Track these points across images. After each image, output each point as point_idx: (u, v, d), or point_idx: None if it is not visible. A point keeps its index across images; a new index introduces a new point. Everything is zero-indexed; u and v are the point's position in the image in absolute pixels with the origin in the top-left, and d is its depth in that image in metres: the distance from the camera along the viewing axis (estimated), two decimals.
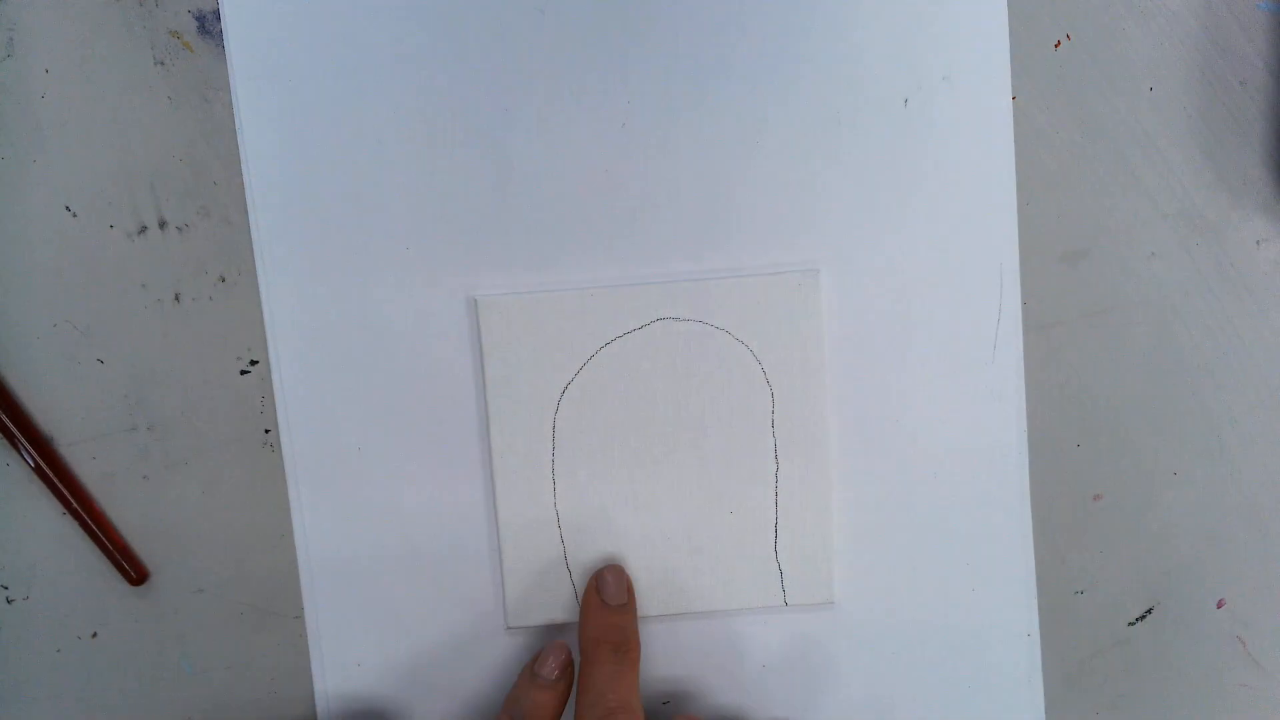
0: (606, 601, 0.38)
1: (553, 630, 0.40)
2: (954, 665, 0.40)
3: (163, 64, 0.38)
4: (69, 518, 0.39)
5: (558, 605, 0.39)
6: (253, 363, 0.39)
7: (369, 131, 0.38)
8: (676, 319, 0.38)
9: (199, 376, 0.39)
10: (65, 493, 0.39)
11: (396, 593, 0.40)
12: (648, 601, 0.39)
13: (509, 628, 0.40)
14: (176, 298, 0.39)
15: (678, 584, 0.39)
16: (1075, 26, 0.38)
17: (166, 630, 0.40)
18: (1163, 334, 0.40)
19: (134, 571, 0.39)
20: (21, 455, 0.39)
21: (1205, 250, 0.39)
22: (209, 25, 0.38)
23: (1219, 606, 0.41)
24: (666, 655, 0.40)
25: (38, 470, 0.39)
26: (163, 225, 0.39)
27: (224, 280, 0.39)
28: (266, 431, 0.39)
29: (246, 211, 0.38)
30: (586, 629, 0.38)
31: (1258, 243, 0.39)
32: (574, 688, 0.37)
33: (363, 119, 0.38)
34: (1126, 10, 0.38)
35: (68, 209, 0.38)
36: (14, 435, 0.39)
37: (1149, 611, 0.41)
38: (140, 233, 0.39)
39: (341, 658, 0.40)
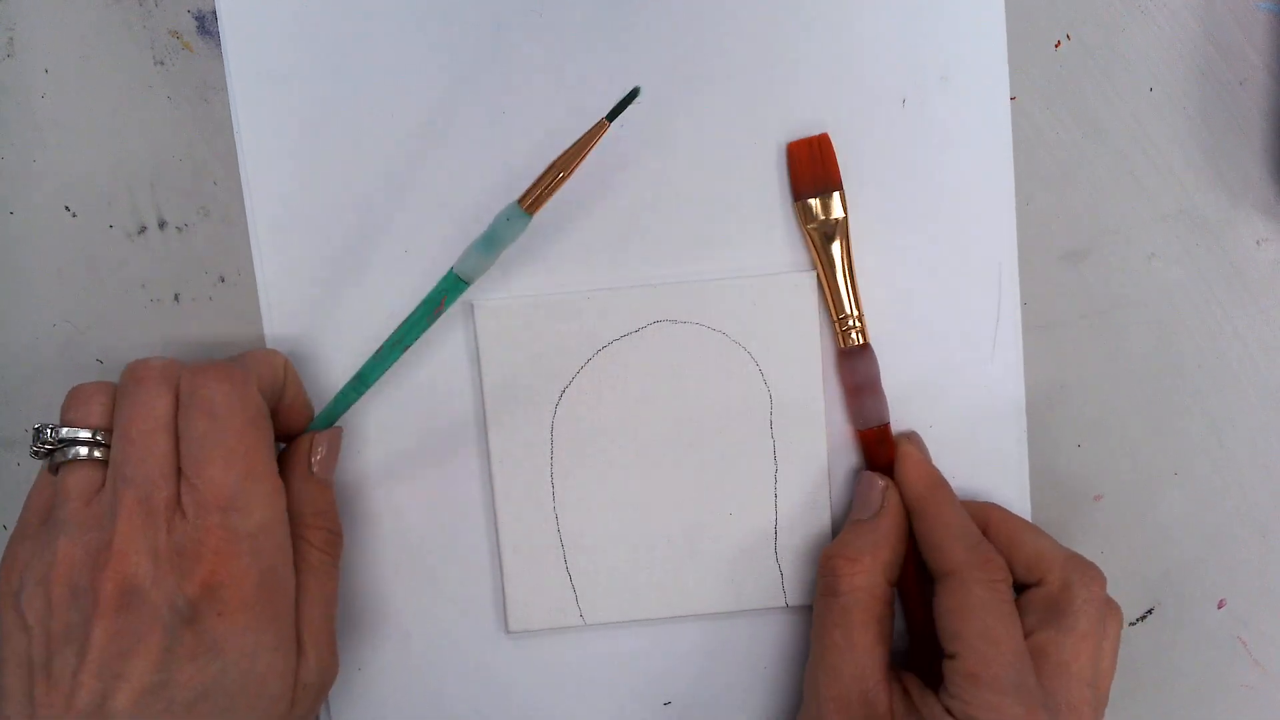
0: (920, 453, 0.38)
1: (554, 634, 0.40)
2: None
3: (162, 64, 0.38)
4: None
5: (558, 608, 0.39)
6: None
7: (367, 132, 0.38)
8: (674, 321, 0.38)
9: None
10: None
11: (396, 595, 0.40)
12: (648, 604, 0.39)
13: (509, 631, 0.39)
14: (176, 298, 0.39)
15: (678, 586, 0.39)
16: (1075, 26, 0.38)
17: None
18: (1163, 334, 0.40)
19: None
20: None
21: (1205, 250, 0.39)
22: (208, 25, 0.38)
23: (1219, 607, 0.41)
24: (667, 657, 0.40)
25: None
26: (162, 225, 0.39)
27: (224, 280, 0.39)
28: None
29: (246, 211, 0.38)
30: (915, 476, 0.37)
31: (1258, 243, 0.39)
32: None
33: (361, 120, 0.38)
34: (1126, 10, 0.38)
35: (68, 209, 0.38)
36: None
37: (1149, 612, 0.41)
38: (140, 233, 0.39)
39: (341, 659, 0.40)
